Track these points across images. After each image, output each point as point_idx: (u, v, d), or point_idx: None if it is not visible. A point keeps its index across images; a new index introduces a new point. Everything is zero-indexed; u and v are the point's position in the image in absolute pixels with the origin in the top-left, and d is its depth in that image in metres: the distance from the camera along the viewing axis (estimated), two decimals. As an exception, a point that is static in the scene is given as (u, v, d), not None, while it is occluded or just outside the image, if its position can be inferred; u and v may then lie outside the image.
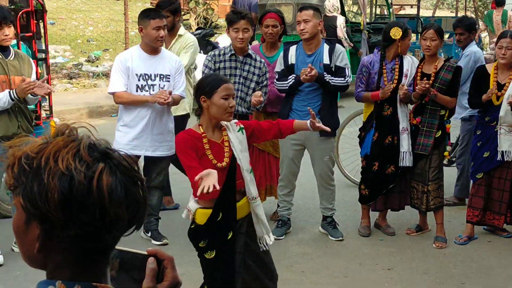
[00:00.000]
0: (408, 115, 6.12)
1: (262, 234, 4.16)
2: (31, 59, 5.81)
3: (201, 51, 13.07)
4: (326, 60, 5.93)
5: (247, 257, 4.15)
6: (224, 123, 4.01)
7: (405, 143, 6.05)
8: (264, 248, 4.21)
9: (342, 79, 5.89)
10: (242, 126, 4.09)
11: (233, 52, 5.91)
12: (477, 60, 6.90)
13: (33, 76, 5.61)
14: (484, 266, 5.61)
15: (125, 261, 1.46)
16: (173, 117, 6.00)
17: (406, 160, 6.05)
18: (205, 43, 13.43)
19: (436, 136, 5.99)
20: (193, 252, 5.65)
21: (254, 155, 6.37)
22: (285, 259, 5.68)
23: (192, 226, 4.04)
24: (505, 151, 5.89)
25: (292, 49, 6.03)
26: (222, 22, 18.38)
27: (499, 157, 5.91)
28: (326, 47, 5.98)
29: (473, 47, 7.04)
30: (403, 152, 6.06)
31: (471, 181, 6.30)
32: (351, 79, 6.01)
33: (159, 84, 5.71)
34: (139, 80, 5.69)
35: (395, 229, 6.34)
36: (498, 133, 5.89)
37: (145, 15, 5.73)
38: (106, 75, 13.76)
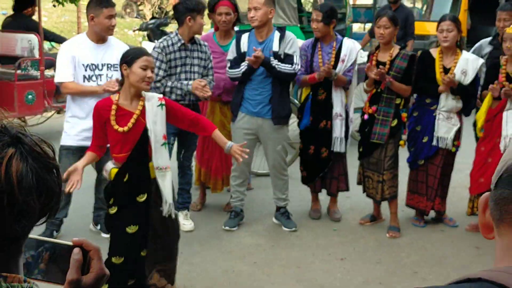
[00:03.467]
0: (342, 100, 6.14)
1: (164, 201, 4.40)
2: None
3: (155, 40, 12.94)
4: (275, 48, 5.87)
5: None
6: (144, 93, 4.29)
7: (337, 129, 6.14)
8: (164, 214, 4.42)
9: (290, 65, 5.83)
10: (163, 102, 4.37)
11: (182, 41, 5.77)
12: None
13: None
14: (437, 255, 5.62)
15: (55, 253, 1.41)
16: None
17: (337, 145, 6.15)
18: (160, 33, 13.29)
19: (392, 125, 5.99)
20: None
21: (211, 145, 6.30)
22: (237, 251, 5.61)
23: (108, 185, 4.38)
24: (440, 137, 5.95)
25: (244, 37, 5.97)
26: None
27: (434, 142, 5.97)
28: (277, 35, 5.92)
29: None
30: (335, 137, 6.16)
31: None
32: (299, 66, 5.95)
33: (107, 74, 5.58)
34: (86, 70, 5.54)
35: (349, 220, 6.33)
36: (437, 118, 5.94)
37: (97, 3, 5.55)
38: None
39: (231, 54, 5.99)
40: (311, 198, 6.51)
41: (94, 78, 5.57)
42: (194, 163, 6.50)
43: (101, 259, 1.42)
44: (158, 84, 5.66)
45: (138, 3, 21.52)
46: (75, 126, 5.60)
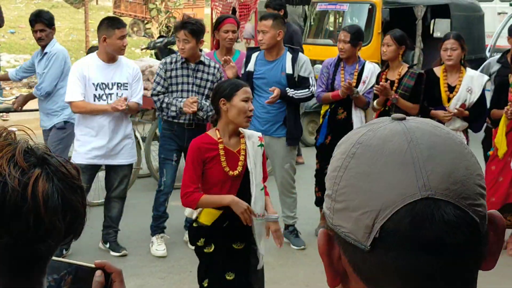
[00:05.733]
0: (363, 120, 6.16)
1: (259, 254, 4.15)
2: None
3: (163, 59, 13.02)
4: (289, 70, 5.91)
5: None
6: (244, 132, 3.99)
7: None
8: (259, 267, 4.18)
9: (307, 90, 5.90)
10: (263, 143, 4.10)
11: (183, 60, 5.81)
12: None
13: None
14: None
15: (78, 276, 1.41)
16: (131, 124, 5.96)
17: None
18: (168, 51, 13.35)
19: None
20: (152, 263, 5.61)
21: None
22: (246, 269, 5.62)
23: (194, 225, 4.05)
24: None
25: (254, 56, 6.02)
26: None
27: None
28: (288, 56, 5.96)
29: None
30: None
31: None
32: (315, 87, 6.01)
33: (117, 93, 5.67)
34: (96, 89, 5.62)
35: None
36: None
37: (109, 24, 5.65)
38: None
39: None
40: (321, 215, 6.51)
41: (104, 97, 5.64)
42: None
43: (122, 282, 1.42)
44: (155, 98, 5.74)
45: (146, 21, 21.67)
46: (85, 145, 5.66)
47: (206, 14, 21.28)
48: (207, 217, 4.02)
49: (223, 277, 4.00)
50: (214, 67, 5.90)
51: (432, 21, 11.19)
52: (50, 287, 1.40)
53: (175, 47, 14.59)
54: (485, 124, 6.29)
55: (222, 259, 4.01)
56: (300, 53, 6.09)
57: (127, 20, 20.13)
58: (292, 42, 8.24)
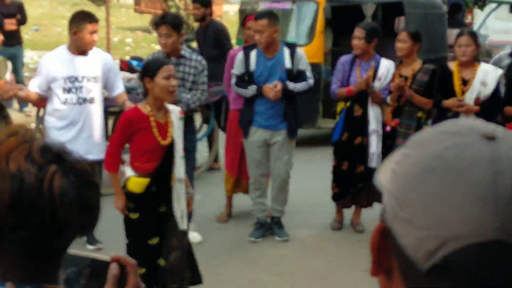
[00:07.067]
0: (379, 117, 6.22)
1: (177, 214, 4.52)
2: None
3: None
4: (288, 65, 5.96)
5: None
6: (169, 106, 4.45)
7: (373, 144, 6.20)
8: (182, 227, 4.56)
9: (304, 82, 5.95)
10: (183, 116, 4.67)
11: (165, 55, 5.71)
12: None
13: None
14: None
15: (95, 269, 1.47)
16: (104, 120, 5.93)
17: (374, 161, 6.17)
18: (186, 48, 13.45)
19: None
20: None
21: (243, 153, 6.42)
22: (262, 261, 5.73)
23: (129, 192, 4.46)
24: None
25: (253, 54, 6.02)
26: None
27: None
28: (286, 51, 6.01)
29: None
30: (372, 153, 6.20)
31: None
32: (313, 80, 6.08)
33: (87, 86, 5.61)
34: (65, 82, 5.56)
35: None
36: None
37: (82, 18, 5.59)
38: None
39: (238, 69, 6.05)
40: (336, 209, 6.58)
41: (74, 90, 5.58)
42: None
43: (137, 274, 1.47)
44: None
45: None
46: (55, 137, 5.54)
47: (225, 11, 21.35)
48: (135, 185, 4.42)
49: (146, 243, 4.41)
50: (196, 60, 5.85)
51: (397, 19, 10.65)
52: (69, 279, 1.45)
53: (193, 44, 14.71)
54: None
55: (147, 224, 4.42)
56: (297, 48, 6.14)
57: (148, 17, 20.27)
58: (220, 40, 7.98)
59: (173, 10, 19.00)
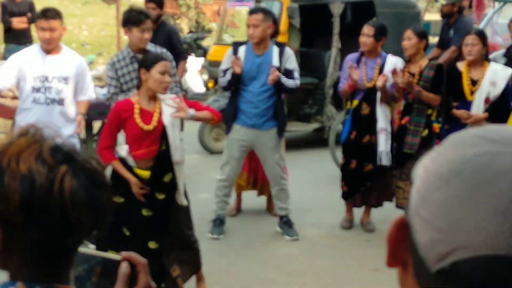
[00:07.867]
0: (388, 115, 6.22)
1: (178, 191, 4.62)
2: None
3: (193, 54, 13.15)
4: (275, 63, 5.93)
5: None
6: (159, 96, 4.48)
7: (382, 143, 6.18)
8: (180, 203, 4.65)
9: (293, 81, 5.95)
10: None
11: (132, 54, 5.49)
12: None
13: None
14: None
15: (107, 267, 1.47)
16: (74, 124, 5.63)
17: (383, 159, 6.17)
18: (197, 47, 13.48)
19: (423, 135, 6.08)
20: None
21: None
22: (272, 260, 5.73)
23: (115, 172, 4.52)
24: None
25: (241, 50, 6.00)
26: (214, 26, 18.43)
27: None
28: (275, 49, 5.99)
29: None
30: (380, 151, 6.19)
31: None
32: (299, 81, 6.07)
33: (57, 87, 5.49)
34: (35, 81, 5.46)
35: (383, 230, 6.40)
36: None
37: (40, 14, 5.44)
38: (99, 78, 13.80)
39: (225, 64, 6.02)
40: (346, 208, 6.58)
41: (43, 90, 5.47)
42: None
43: (147, 273, 1.46)
44: (110, 102, 5.40)
45: (175, 17, 21.84)
46: None
47: (237, 11, 21.31)
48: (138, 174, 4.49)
49: (120, 229, 4.43)
50: (161, 53, 5.54)
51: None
52: (81, 276, 1.46)
53: (204, 43, 14.74)
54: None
55: (128, 212, 4.44)
56: (286, 47, 6.12)
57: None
58: (172, 42, 7.71)
59: (184, 9, 19.04)
